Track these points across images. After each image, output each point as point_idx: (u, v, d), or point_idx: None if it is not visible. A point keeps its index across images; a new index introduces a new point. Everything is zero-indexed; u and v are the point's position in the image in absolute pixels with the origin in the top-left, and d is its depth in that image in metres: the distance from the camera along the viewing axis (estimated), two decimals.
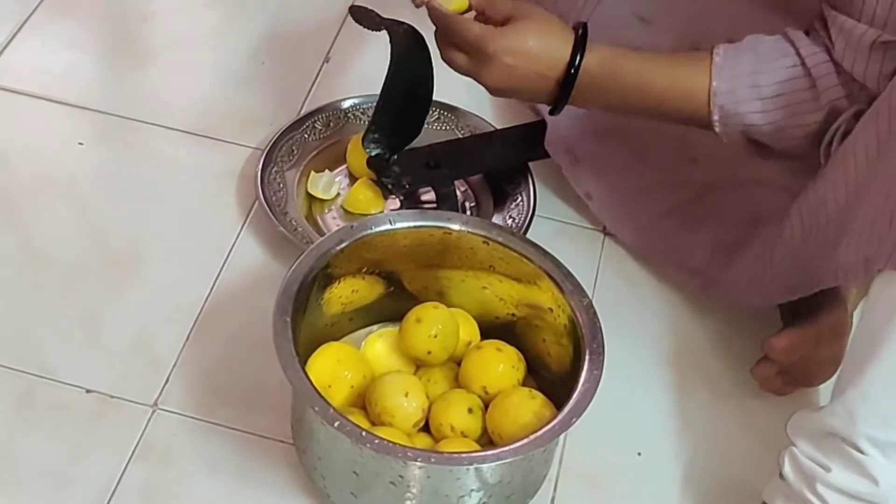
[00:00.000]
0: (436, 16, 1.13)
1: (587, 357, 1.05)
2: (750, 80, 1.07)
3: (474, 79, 1.14)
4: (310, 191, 1.34)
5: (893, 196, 0.93)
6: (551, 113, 1.17)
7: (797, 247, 1.09)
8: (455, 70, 1.15)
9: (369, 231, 1.13)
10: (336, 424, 0.96)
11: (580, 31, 1.11)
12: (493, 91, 1.15)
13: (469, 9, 1.14)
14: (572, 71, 1.10)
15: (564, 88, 1.12)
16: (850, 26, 1.01)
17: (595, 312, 1.08)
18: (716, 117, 1.09)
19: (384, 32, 1.22)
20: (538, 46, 1.10)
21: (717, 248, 1.25)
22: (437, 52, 1.16)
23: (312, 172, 1.36)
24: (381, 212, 1.34)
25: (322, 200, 1.35)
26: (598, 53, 1.11)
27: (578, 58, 1.10)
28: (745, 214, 1.23)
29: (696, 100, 1.09)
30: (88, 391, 1.15)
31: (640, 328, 1.28)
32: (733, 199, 1.25)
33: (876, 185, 0.97)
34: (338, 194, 1.35)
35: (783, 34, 1.08)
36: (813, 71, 1.05)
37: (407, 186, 1.32)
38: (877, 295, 0.96)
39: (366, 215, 1.33)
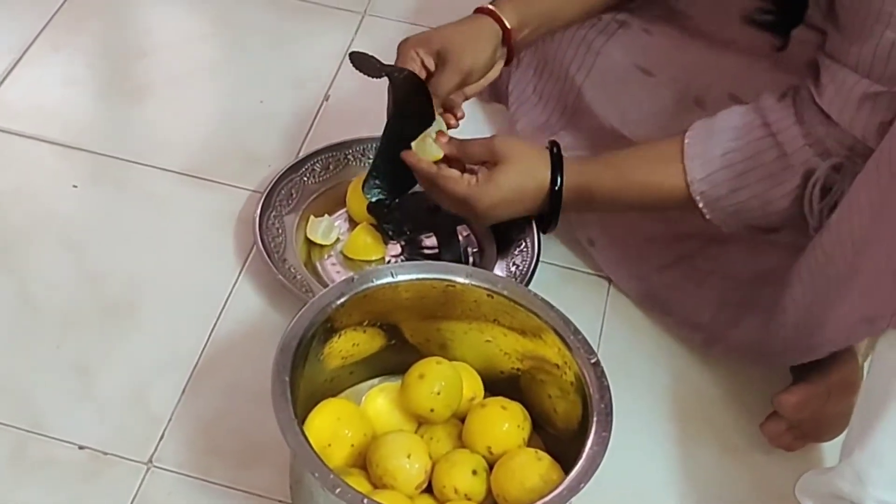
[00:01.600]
0: (421, 173, 1.19)
1: (595, 418, 1.02)
2: (722, 160, 1.09)
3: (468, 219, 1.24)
4: (309, 236, 1.32)
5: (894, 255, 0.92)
6: (543, 232, 1.24)
7: (807, 307, 1.07)
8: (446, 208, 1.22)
9: (370, 284, 1.10)
10: (337, 491, 0.94)
11: (554, 150, 1.16)
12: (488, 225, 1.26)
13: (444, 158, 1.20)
14: (556, 189, 1.15)
15: (552, 210, 1.17)
16: (844, 76, 1.02)
17: (603, 371, 1.05)
18: (701, 205, 1.11)
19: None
20: (520, 184, 1.16)
21: (722, 306, 1.23)
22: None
23: (312, 217, 1.33)
24: (382, 257, 1.32)
25: (321, 246, 1.32)
26: (571, 177, 1.15)
27: (560, 179, 1.15)
28: (751, 272, 1.21)
29: (676, 193, 1.12)
30: (81, 447, 1.13)
31: (647, 379, 1.26)
32: (738, 253, 1.23)
33: (879, 242, 0.95)
34: (337, 239, 1.33)
35: (753, 105, 1.09)
36: (779, 137, 1.07)
37: (408, 232, 1.30)
38: (882, 354, 0.95)
39: (366, 261, 1.31)
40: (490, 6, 1.21)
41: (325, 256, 1.32)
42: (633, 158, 1.16)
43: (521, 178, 1.16)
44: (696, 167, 1.09)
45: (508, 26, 1.21)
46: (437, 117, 1.22)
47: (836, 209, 1.03)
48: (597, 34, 1.28)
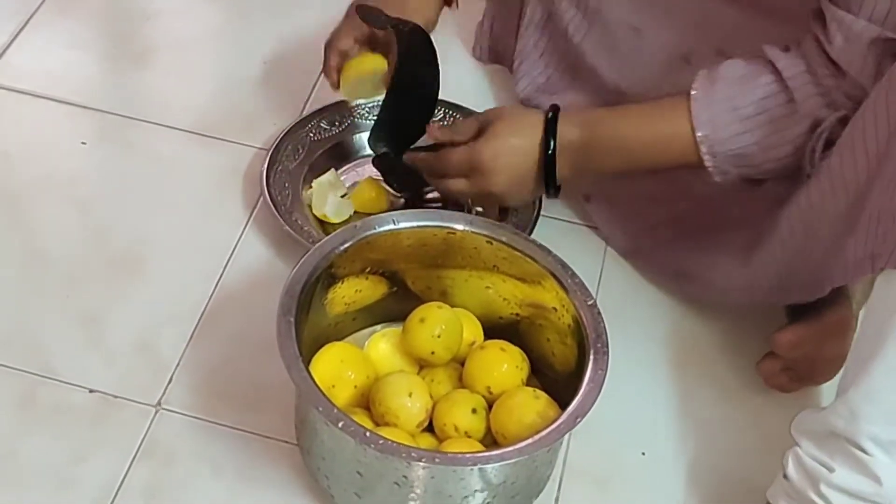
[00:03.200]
0: (420, 165, 1.21)
1: (591, 357, 1.04)
2: (728, 104, 1.08)
3: (481, 195, 1.19)
4: (315, 213, 1.32)
5: None
6: (548, 196, 1.20)
7: (799, 246, 1.09)
8: (460, 197, 1.21)
9: (373, 231, 1.12)
10: (340, 425, 0.96)
11: (550, 114, 1.15)
12: (504, 198, 1.20)
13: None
14: (549, 152, 1.14)
15: (547, 171, 1.15)
16: (850, 21, 1.01)
17: (599, 312, 1.08)
18: (703, 149, 1.10)
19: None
20: (518, 140, 1.16)
21: (705, 253, 1.24)
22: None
23: (314, 184, 1.34)
24: (386, 211, 1.34)
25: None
26: (573, 124, 1.15)
27: (552, 141, 1.14)
28: (742, 223, 1.22)
29: (681, 140, 1.10)
30: (91, 391, 1.15)
31: (644, 327, 1.28)
32: (730, 209, 1.24)
33: (880, 182, 0.96)
34: (350, 217, 1.33)
35: (758, 55, 1.08)
36: (790, 83, 1.06)
37: (413, 186, 1.32)
38: (879, 294, 0.96)
39: (371, 215, 1.33)
40: None
41: None
42: (637, 108, 1.16)
43: (516, 134, 1.16)
44: (701, 110, 1.09)
45: None
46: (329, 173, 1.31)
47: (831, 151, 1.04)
48: None
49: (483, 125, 1.17)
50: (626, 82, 1.27)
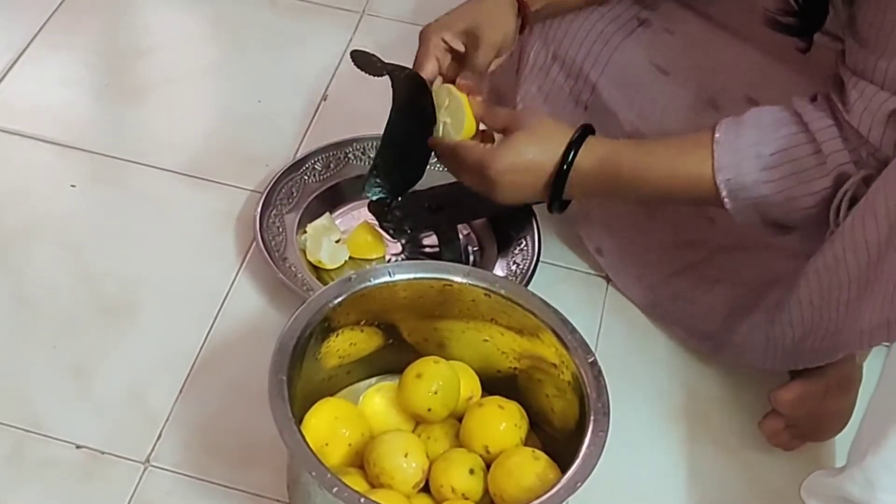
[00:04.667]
0: (437, 146, 1.16)
1: (592, 418, 1.02)
2: (753, 150, 1.05)
3: (483, 194, 1.14)
4: (310, 259, 1.30)
5: None
6: (550, 211, 1.16)
7: (817, 309, 1.06)
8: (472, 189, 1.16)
9: (368, 283, 1.10)
10: (334, 490, 0.94)
11: (577, 134, 1.10)
12: (504, 203, 1.15)
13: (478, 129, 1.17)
14: (564, 168, 1.10)
15: (556, 186, 1.11)
16: (872, 92, 0.99)
17: (600, 370, 1.05)
18: (724, 193, 1.06)
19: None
20: (535, 155, 1.11)
21: (731, 314, 1.22)
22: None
23: (308, 228, 1.32)
24: (383, 256, 1.32)
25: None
26: (597, 150, 1.10)
27: (573, 155, 1.10)
28: (759, 278, 1.20)
29: (702, 181, 1.07)
30: (78, 447, 1.13)
31: (644, 379, 1.26)
32: (746, 262, 1.22)
33: None
34: (345, 262, 1.31)
35: (786, 104, 1.06)
36: (818, 136, 1.03)
37: (408, 231, 1.30)
38: (894, 358, 0.94)
39: (367, 260, 1.31)
40: None
41: None
42: (662, 142, 1.13)
43: (537, 147, 1.11)
44: (723, 154, 1.06)
45: None
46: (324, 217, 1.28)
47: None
48: (615, 30, 1.26)
49: (510, 126, 1.12)
50: (646, 124, 1.24)
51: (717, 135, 1.07)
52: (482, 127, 1.16)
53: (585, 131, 1.11)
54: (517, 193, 1.13)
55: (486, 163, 1.10)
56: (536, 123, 1.12)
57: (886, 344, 0.99)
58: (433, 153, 1.19)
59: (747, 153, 1.05)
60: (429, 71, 1.16)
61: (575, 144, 1.10)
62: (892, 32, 0.96)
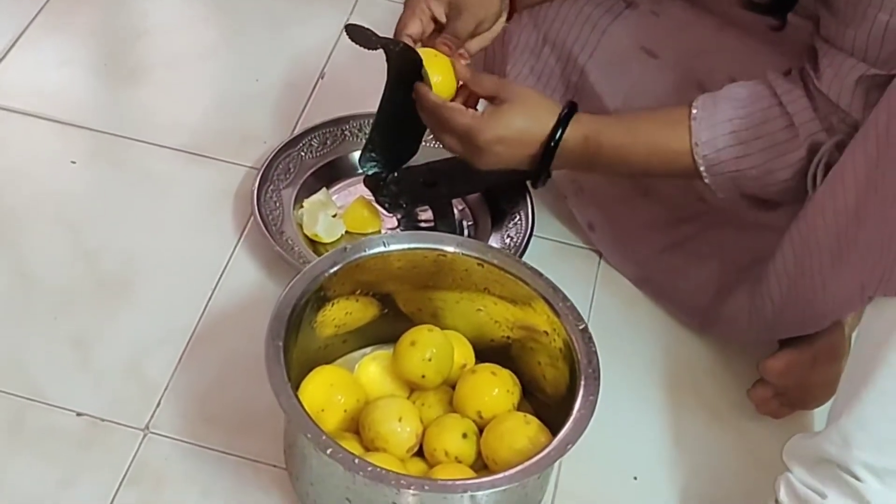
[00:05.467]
0: (425, 105, 1.15)
1: (582, 382, 1.04)
2: (728, 126, 1.09)
3: (467, 160, 1.15)
4: (307, 232, 1.31)
5: (885, 224, 0.93)
6: (533, 186, 1.18)
7: (793, 279, 1.08)
8: (446, 149, 1.17)
9: (363, 254, 1.12)
10: (329, 451, 0.95)
11: (566, 110, 1.12)
12: (487, 169, 1.16)
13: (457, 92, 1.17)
14: (552, 144, 1.12)
15: (544, 161, 1.13)
16: (841, 60, 1.02)
17: (591, 337, 1.07)
18: (702, 168, 1.10)
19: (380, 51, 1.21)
20: (525, 128, 1.12)
21: (720, 290, 1.24)
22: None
23: (305, 203, 1.33)
24: (379, 230, 1.34)
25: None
26: (581, 127, 1.12)
27: (560, 132, 1.12)
28: (749, 255, 1.22)
29: (681, 157, 1.11)
30: (79, 414, 1.14)
31: (635, 350, 1.27)
32: (738, 240, 1.24)
33: (868, 212, 0.97)
34: (341, 236, 1.32)
35: (760, 79, 1.09)
36: (789, 107, 1.06)
37: (404, 206, 1.31)
38: (869, 321, 0.96)
39: (363, 234, 1.33)
40: None
41: None
42: (643, 117, 1.15)
43: (527, 120, 1.12)
44: (701, 129, 1.09)
45: None
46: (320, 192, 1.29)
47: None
48: (603, 13, 1.28)
49: (500, 95, 1.13)
50: (630, 106, 1.25)
51: (693, 111, 1.10)
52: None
53: (573, 108, 1.13)
54: (501, 163, 1.14)
55: (475, 131, 1.11)
56: (526, 95, 1.14)
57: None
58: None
59: (723, 129, 1.09)
60: (412, 30, 1.17)
61: (563, 122, 1.12)
62: (860, 2, 0.99)
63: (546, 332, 1.11)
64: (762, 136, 1.08)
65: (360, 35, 1.21)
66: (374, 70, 1.24)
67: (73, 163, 1.39)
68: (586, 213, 1.35)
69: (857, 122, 1.02)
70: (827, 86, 1.03)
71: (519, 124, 1.12)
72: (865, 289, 0.95)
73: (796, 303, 1.09)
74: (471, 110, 1.14)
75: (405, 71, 1.21)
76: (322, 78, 1.52)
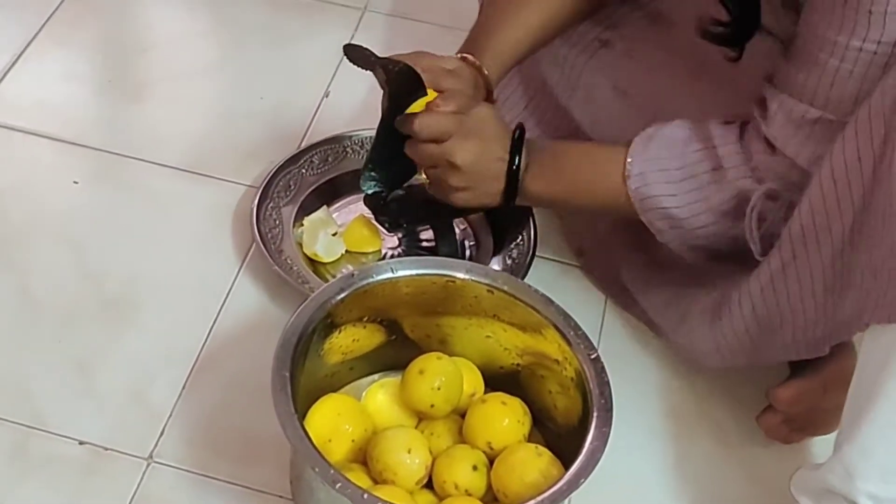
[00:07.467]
0: (405, 121, 1.14)
1: (595, 414, 1.02)
2: (658, 164, 1.09)
3: (443, 163, 1.14)
4: (306, 252, 1.30)
5: (877, 251, 0.93)
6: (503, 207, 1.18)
7: (776, 308, 1.06)
8: (423, 164, 1.16)
9: (371, 280, 1.10)
10: (337, 486, 0.94)
11: (517, 134, 1.13)
12: (459, 175, 1.15)
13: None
14: (514, 168, 1.13)
15: (509, 183, 1.14)
16: (791, 105, 1.02)
17: (603, 367, 1.06)
18: (635, 202, 1.11)
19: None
20: (495, 132, 1.14)
21: (667, 306, 1.23)
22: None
23: (305, 222, 1.32)
24: (379, 250, 1.32)
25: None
26: (527, 152, 1.14)
27: (517, 160, 1.13)
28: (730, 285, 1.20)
29: (617, 190, 1.11)
30: (81, 443, 1.13)
31: (645, 375, 1.26)
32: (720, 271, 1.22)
33: (862, 239, 0.96)
34: (341, 255, 1.31)
35: (701, 123, 1.09)
36: (720, 150, 1.07)
37: (404, 225, 1.30)
38: (867, 350, 0.95)
39: (363, 253, 1.31)
40: (472, 57, 1.19)
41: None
42: (580, 149, 1.17)
43: (489, 137, 1.13)
44: (633, 164, 1.10)
45: (491, 80, 1.19)
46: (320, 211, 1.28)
47: (789, 222, 1.02)
48: (578, 53, 1.28)
49: (465, 110, 1.13)
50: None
51: (632, 145, 1.11)
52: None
53: (522, 133, 1.14)
54: (475, 156, 1.13)
55: (460, 119, 1.12)
56: (488, 116, 1.14)
57: None
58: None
59: (654, 165, 1.10)
60: (425, 63, 1.16)
61: (517, 145, 1.13)
62: (812, 45, 0.99)
63: (557, 361, 1.10)
64: (689, 176, 1.08)
65: (357, 55, 1.19)
66: (379, 89, 1.23)
67: (76, 183, 1.37)
68: (576, 237, 1.36)
69: (791, 172, 1.03)
70: (776, 131, 1.03)
71: (491, 128, 1.14)
72: (862, 314, 0.94)
73: (784, 328, 1.07)
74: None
75: (404, 91, 1.19)
76: (327, 96, 1.51)
